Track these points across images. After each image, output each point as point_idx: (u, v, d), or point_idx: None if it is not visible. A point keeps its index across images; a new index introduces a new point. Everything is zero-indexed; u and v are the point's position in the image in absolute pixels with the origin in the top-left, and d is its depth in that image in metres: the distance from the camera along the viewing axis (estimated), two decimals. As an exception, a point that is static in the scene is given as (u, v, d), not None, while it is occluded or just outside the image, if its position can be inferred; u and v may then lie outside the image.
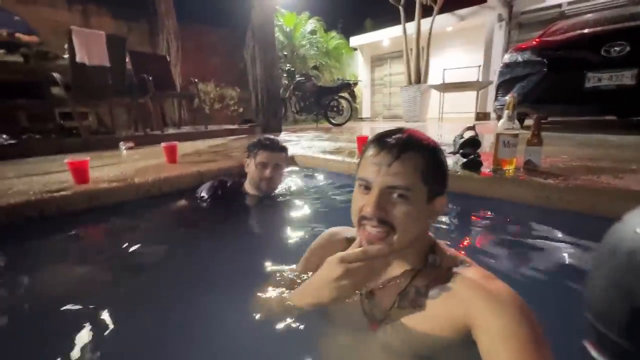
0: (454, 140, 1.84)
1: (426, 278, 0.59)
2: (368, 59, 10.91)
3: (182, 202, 1.68)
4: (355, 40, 10.41)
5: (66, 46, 3.18)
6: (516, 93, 3.22)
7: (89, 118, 4.49)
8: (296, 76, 6.67)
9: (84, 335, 0.77)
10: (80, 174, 1.60)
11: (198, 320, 0.82)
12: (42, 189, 1.50)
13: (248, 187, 1.62)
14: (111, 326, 0.79)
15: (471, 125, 1.83)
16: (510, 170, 1.48)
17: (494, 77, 3.92)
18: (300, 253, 0.83)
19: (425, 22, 6.95)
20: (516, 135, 1.44)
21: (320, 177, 2.21)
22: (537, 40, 3.57)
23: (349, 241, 0.73)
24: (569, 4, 6.48)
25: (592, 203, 1.18)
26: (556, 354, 0.46)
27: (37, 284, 1.09)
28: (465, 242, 1.25)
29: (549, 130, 3.64)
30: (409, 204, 0.55)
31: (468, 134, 1.73)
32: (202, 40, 7.43)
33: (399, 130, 0.59)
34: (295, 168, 2.42)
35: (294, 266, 0.84)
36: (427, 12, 7.00)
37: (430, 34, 6.93)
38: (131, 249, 1.30)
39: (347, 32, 10.31)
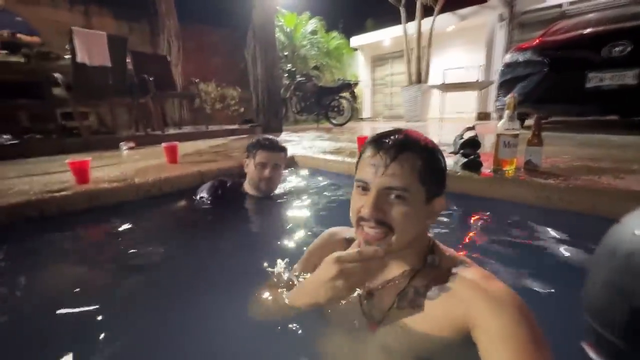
0: (454, 141, 1.84)
1: (425, 278, 0.59)
2: (369, 59, 10.90)
3: (182, 202, 1.68)
4: (356, 41, 10.41)
5: (67, 46, 3.19)
6: (517, 93, 3.21)
7: (90, 118, 4.51)
8: (297, 76, 6.67)
9: (85, 335, 0.77)
10: (81, 174, 1.60)
11: (197, 319, 0.82)
12: (43, 189, 1.51)
13: (248, 187, 1.62)
14: (111, 326, 0.80)
15: (471, 125, 1.83)
16: (511, 171, 1.47)
17: (495, 77, 3.90)
18: (300, 253, 0.83)
19: (426, 22, 6.94)
20: (516, 136, 1.44)
21: (320, 178, 2.21)
22: (538, 40, 3.56)
23: (348, 241, 0.73)
24: (570, 3, 6.46)
25: (593, 203, 1.18)
26: (555, 354, 0.46)
27: (38, 283, 1.09)
28: (465, 243, 1.24)
29: (549, 130, 3.63)
30: (406, 204, 0.55)
31: (468, 135, 1.72)
32: (203, 40, 7.44)
33: (397, 131, 0.59)
34: (296, 168, 2.42)
35: (293, 266, 0.84)
36: (427, 12, 6.99)
37: (431, 33, 6.92)
38: (131, 249, 1.30)
39: (348, 32, 10.30)
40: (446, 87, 6.81)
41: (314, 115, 6.72)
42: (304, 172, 2.36)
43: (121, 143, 3.21)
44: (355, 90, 6.71)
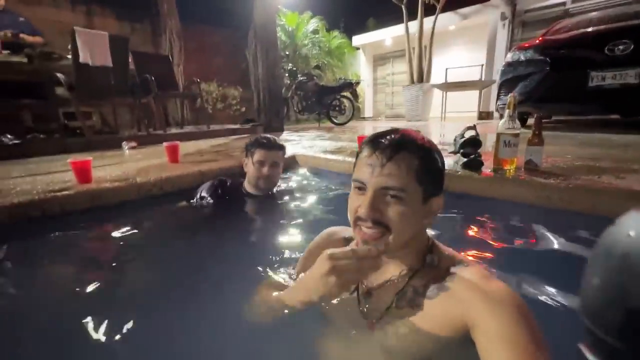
0: (455, 140, 1.84)
1: (424, 278, 0.59)
2: (370, 58, 10.89)
3: (183, 202, 1.69)
4: (357, 40, 10.39)
5: (70, 47, 3.20)
6: (519, 92, 3.20)
7: (93, 118, 4.53)
8: (298, 76, 6.67)
9: (85, 334, 0.78)
10: (83, 173, 1.61)
11: (197, 319, 0.83)
12: (45, 189, 1.52)
13: (247, 186, 1.62)
14: (112, 325, 0.80)
15: (472, 124, 1.83)
16: (511, 170, 1.47)
17: (497, 76, 3.89)
18: (300, 252, 0.84)
19: (428, 21, 6.92)
20: (517, 135, 1.44)
21: (321, 177, 2.22)
22: (540, 38, 3.55)
23: (347, 241, 0.73)
24: (573, 1, 6.42)
25: (593, 203, 1.18)
26: (555, 354, 0.46)
27: (39, 282, 1.10)
28: (465, 242, 1.24)
29: (551, 130, 3.62)
30: (403, 204, 0.55)
31: (469, 134, 1.72)
32: (204, 40, 7.46)
33: (394, 130, 0.59)
34: (297, 168, 2.43)
35: (293, 266, 0.85)
36: (429, 10, 6.97)
37: (432, 32, 6.90)
38: (132, 248, 1.31)
39: (350, 32, 10.29)
40: (448, 87, 6.79)
41: (316, 114, 6.72)
42: (305, 171, 2.36)
43: (123, 143, 3.22)
44: (357, 90, 6.70)
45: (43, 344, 0.79)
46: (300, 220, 1.50)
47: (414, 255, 0.61)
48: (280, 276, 0.83)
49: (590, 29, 3.16)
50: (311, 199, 1.79)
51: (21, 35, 3.57)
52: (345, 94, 6.45)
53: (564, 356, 0.46)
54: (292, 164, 2.41)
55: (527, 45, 3.47)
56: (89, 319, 0.81)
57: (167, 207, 1.72)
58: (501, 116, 1.50)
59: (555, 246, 1.13)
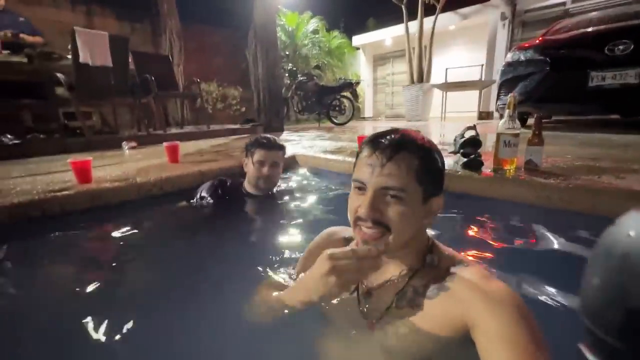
0: (455, 140, 1.84)
1: (424, 278, 0.59)
2: (370, 58, 10.89)
3: (183, 202, 1.69)
4: (357, 40, 10.40)
5: (70, 47, 3.20)
6: (519, 92, 3.20)
7: (93, 118, 4.53)
8: (298, 76, 6.67)
9: (86, 334, 0.78)
10: (83, 173, 1.61)
11: (197, 319, 0.83)
12: (45, 189, 1.52)
13: (247, 186, 1.63)
14: (112, 325, 0.80)
15: (472, 124, 1.83)
16: (511, 170, 1.47)
17: (497, 76, 3.89)
18: (300, 252, 0.84)
19: (428, 21, 6.92)
20: (517, 135, 1.44)
21: (321, 177, 2.22)
22: (540, 38, 3.55)
23: (347, 241, 0.73)
24: (573, 1, 6.42)
25: (593, 203, 1.18)
26: (554, 354, 0.46)
27: (39, 282, 1.10)
28: (465, 242, 1.24)
29: (551, 130, 3.62)
30: (403, 204, 0.55)
31: (469, 134, 1.72)
32: (204, 40, 7.47)
33: (393, 130, 0.59)
34: (297, 168, 2.43)
35: (293, 266, 0.85)
36: (429, 10, 6.97)
37: (432, 32, 6.90)
38: (132, 248, 1.31)
39: (350, 32, 10.29)
40: (448, 87, 6.80)
41: (316, 114, 6.72)
42: (305, 171, 2.36)
43: (123, 143, 3.22)
44: (357, 90, 6.70)
45: (43, 344, 0.79)
46: (300, 220, 1.50)
47: (414, 255, 0.61)
48: (280, 276, 0.83)
49: (590, 29, 3.17)
50: (311, 199, 1.79)
51: (21, 35, 3.57)
52: (345, 94, 6.45)
53: (564, 356, 0.46)
54: (292, 164, 2.41)
55: (527, 45, 3.47)
56: (89, 319, 0.81)
57: (167, 207, 1.72)
58: (501, 116, 1.50)
59: (555, 246, 1.13)
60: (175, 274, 1.11)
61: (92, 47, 3.22)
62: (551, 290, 0.90)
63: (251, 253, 1.26)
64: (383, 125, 6.42)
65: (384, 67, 10.74)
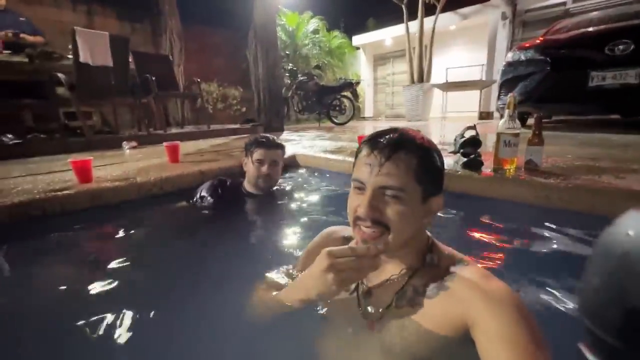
0: (455, 140, 1.84)
1: (424, 277, 0.59)
2: (371, 58, 10.89)
3: (183, 202, 1.69)
4: (357, 40, 10.40)
5: (70, 46, 3.20)
6: (519, 92, 3.20)
7: (93, 118, 4.53)
8: (298, 75, 6.68)
9: (86, 334, 0.78)
10: (83, 173, 1.62)
11: (197, 318, 0.83)
12: (46, 188, 1.52)
13: (247, 185, 1.63)
14: (112, 324, 0.80)
15: (472, 124, 1.83)
16: (511, 170, 1.47)
17: (497, 76, 3.89)
18: (300, 252, 0.84)
19: (428, 21, 6.92)
20: (517, 135, 1.44)
21: (321, 177, 2.22)
22: (540, 38, 3.55)
23: (347, 240, 0.73)
24: (574, 1, 6.41)
25: (593, 203, 1.18)
26: (554, 354, 0.46)
27: (39, 281, 1.10)
28: (465, 242, 1.24)
29: (550, 130, 3.62)
30: (402, 204, 0.55)
31: (469, 134, 1.72)
32: (205, 40, 7.47)
33: (392, 130, 0.59)
34: (297, 167, 2.43)
35: (293, 265, 0.85)
36: (429, 10, 6.97)
37: (433, 32, 6.90)
38: (132, 248, 1.31)
39: (350, 32, 10.30)
40: (448, 86, 6.80)
41: (316, 114, 6.72)
42: (305, 171, 2.37)
43: (123, 142, 3.23)
44: (357, 90, 6.71)
45: (43, 344, 0.79)
46: (300, 220, 1.50)
47: (413, 254, 0.61)
48: (280, 275, 0.83)
49: (590, 29, 3.16)
50: (311, 198, 1.79)
51: (22, 35, 3.58)
52: (345, 93, 6.45)
53: (564, 356, 0.46)
54: (292, 163, 2.41)
55: (527, 45, 3.47)
56: (89, 318, 0.82)
57: (167, 206, 1.72)
58: (501, 116, 1.50)
59: (555, 246, 1.14)
60: (175, 273, 1.11)
61: (93, 47, 3.22)
62: (551, 290, 0.90)
63: (251, 252, 1.26)
64: (383, 125, 6.40)
65: (384, 67, 10.74)
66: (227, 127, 5.24)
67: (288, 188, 1.89)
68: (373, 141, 0.58)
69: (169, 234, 1.52)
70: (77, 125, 3.85)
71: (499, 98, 3.74)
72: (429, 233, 0.65)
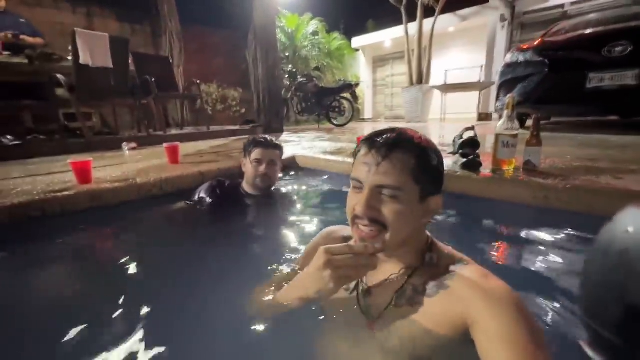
0: (454, 141, 1.84)
1: (424, 276, 0.59)
2: (370, 60, 10.92)
3: (182, 203, 1.69)
4: (357, 41, 10.43)
5: (70, 48, 3.21)
6: (517, 93, 3.21)
7: (93, 119, 4.54)
8: (298, 77, 6.69)
9: (86, 334, 0.78)
10: (83, 174, 1.62)
11: (196, 318, 0.83)
12: (46, 189, 1.52)
13: (246, 186, 1.63)
14: (112, 325, 0.80)
15: (471, 125, 1.83)
16: (510, 171, 1.48)
17: (496, 78, 3.90)
18: (298, 252, 0.84)
19: (427, 23, 6.94)
20: (515, 136, 1.44)
21: (320, 178, 2.22)
22: (539, 40, 3.56)
23: (346, 239, 0.74)
24: (572, 4, 6.44)
25: (591, 203, 1.18)
26: (554, 353, 0.46)
27: (39, 282, 1.10)
28: (464, 242, 1.24)
29: (549, 131, 3.63)
30: (400, 203, 0.55)
31: (467, 135, 1.73)
32: (204, 41, 7.48)
33: (390, 130, 0.59)
34: (296, 168, 2.43)
35: (292, 265, 0.85)
36: (428, 12, 6.99)
37: (432, 34, 6.92)
38: (132, 248, 1.31)
39: (349, 33, 10.33)
40: (447, 88, 6.81)
41: (315, 115, 6.73)
42: (305, 172, 2.37)
43: (123, 144, 3.22)
44: (356, 91, 6.72)
45: (43, 344, 0.79)
46: (299, 221, 1.50)
47: (413, 253, 0.61)
48: (280, 276, 0.83)
49: (588, 31, 3.17)
50: (311, 199, 1.79)
51: (22, 36, 3.58)
52: (344, 95, 6.46)
53: (564, 355, 0.46)
54: (291, 164, 2.42)
55: (526, 46, 3.48)
56: (88, 319, 0.81)
57: (167, 207, 1.72)
58: (500, 117, 1.51)
59: (554, 246, 1.14)
60: (174, 273, 1.11)
61: (93, 49, 3.22)
62: (550, 290, 0.90)
63: (249, 253, 1.26)
64: (382, 127, 6.41)
65: (383, 68, 10.76)
66: (226, 128, 5.25)
67: (287, 189, 1.90)
68: (371, 141, 0.58)
69: (168, 234, 1.52)
70: (76, 127, 3.85)
71: (497, 99, 3.75)
72: (428, 232, 0.65)
